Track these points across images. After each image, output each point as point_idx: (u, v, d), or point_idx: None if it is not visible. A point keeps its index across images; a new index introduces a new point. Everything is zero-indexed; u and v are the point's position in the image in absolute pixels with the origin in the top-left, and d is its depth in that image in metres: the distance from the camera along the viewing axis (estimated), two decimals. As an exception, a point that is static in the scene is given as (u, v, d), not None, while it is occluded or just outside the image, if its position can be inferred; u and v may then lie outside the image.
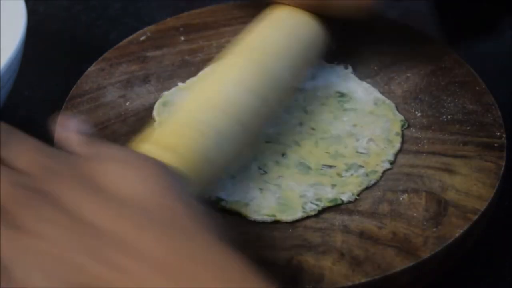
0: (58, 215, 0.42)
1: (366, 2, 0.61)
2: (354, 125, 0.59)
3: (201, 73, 0.64)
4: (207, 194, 0.54)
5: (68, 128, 0.48)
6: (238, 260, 0.41)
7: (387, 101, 0.61)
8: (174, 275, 0.40)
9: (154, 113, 0.61)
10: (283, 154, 0.58)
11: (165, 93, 0.63)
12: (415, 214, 0.53)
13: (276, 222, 0.53)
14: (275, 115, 0.59)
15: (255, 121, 0.55)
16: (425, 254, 0.50)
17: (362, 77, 0.63)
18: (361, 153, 0.58)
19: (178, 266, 0.40)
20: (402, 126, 0.59)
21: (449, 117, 0.60)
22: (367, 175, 0.56)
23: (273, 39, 0.59)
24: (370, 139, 0.58)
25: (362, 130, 0.59)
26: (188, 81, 0.64)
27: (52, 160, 0.45)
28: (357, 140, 0.58)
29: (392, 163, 0.57)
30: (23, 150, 0.45)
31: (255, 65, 0.57)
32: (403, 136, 0.59)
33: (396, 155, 0.57)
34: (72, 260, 0.40)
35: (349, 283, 0.49)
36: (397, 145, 0.58)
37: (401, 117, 0.60)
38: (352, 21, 0.62)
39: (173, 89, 0.63)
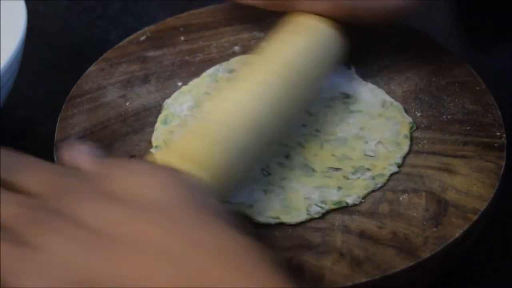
0: (72, 228, 0.41)
1: (396, 3, 0.59)
2: (361, 128, 0.59)
3: (222, 80, 0.63)
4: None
5: (77, 151, 0.47)
6: (252, 251, 0.42)
7: (395, 102, 0.61)
8: (181, 263, 0.40)
9: (154, 137, 0.60)
10: (287, 156, 0.57)
11: (167, 101, 0.62)
12: (415, 214, 0.53)
13: (279, 224, 0.53)
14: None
15: (274, 136, 0.55)
16: (425, 254, 0.50)
17: (362, 77, 0.63)
18: (369, 156, 0.57)
19: (186, 255, 0.40)
20: (411, 129, 0.59)
21: (449, 117, 0.60)
22: (373, 178, 0.56)
23: (297, 52, 0.58)
24: (379, 142, 0.58)
25: (370, 132, 0.59)
26: (191, 83, 0.64)
27: (64, 177, 0.45)
28: (366, 142, 0.58)
29: (399, 166, 0.56)
30: (34, 174, 0.45)
31: (278, 80, 0.55)
32: (411, 138, 0.58)
33: (404, 158, 0.57)
34: (76, 263, 0.40)
35: (349, 283, 0.49)
36: (406, 148, 0.58)
37: (410, 119, 0.59)
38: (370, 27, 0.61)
39: (175, 94, 0.63)
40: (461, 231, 0.52)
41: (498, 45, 0.73)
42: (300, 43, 0.58)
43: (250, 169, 0.55)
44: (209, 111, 0.54)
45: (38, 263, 0.41)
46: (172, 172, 0.46)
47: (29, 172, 0.45)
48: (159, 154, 0.53)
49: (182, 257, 0.40)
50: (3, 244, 0.41)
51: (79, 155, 0.47)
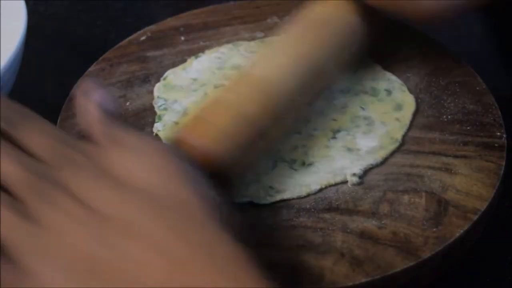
0: (73, 207, 0.42)
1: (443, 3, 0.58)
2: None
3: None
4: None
5: (92, 98, 0.47)
6: (241, 256, 0.41)
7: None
8: (170, 257, 0.41)
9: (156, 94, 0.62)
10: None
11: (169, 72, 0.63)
12: (415, 214, 0.53)
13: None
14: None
15: (293, 118, 0.57)
16: (425, 254, 0.51)
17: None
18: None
19: (175, 249, 0.41)
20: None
21: (449, 117, 0.60)
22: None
23: (318, 43, 0.58)
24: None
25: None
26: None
27: (69, 147, 0.45)
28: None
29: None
30: (38, 134, 0.45)
31: (302, 62, 0.57)
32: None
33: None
34: (90, 254, 0.41)
35: (350, 283, 0.49)
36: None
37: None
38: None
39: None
40: (461, 231, 0.52)
41: None
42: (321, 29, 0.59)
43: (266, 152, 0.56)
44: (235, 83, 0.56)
45: (46, 245, 0.41)
46: (176, 157, 0.46)
47: (33, 130, 0.45)
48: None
49: (164, 247, 0.41)
50: (7, 209, 0.42)
51: (92, 121, 0.47)
